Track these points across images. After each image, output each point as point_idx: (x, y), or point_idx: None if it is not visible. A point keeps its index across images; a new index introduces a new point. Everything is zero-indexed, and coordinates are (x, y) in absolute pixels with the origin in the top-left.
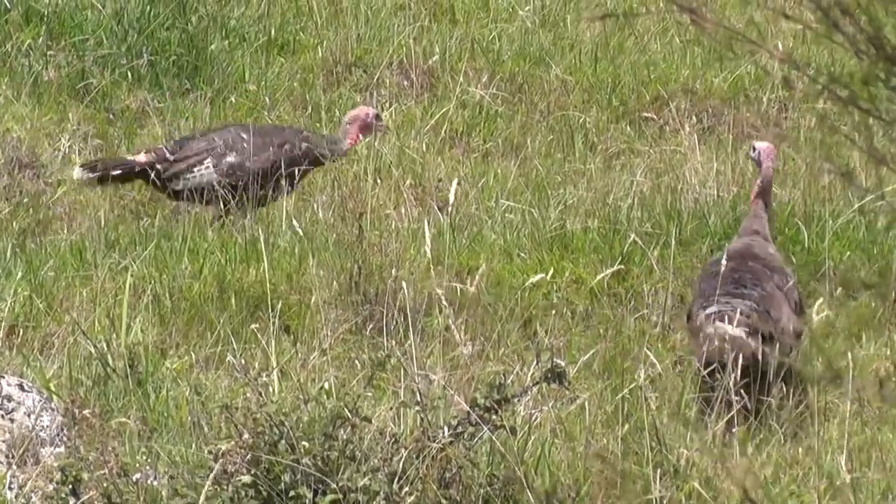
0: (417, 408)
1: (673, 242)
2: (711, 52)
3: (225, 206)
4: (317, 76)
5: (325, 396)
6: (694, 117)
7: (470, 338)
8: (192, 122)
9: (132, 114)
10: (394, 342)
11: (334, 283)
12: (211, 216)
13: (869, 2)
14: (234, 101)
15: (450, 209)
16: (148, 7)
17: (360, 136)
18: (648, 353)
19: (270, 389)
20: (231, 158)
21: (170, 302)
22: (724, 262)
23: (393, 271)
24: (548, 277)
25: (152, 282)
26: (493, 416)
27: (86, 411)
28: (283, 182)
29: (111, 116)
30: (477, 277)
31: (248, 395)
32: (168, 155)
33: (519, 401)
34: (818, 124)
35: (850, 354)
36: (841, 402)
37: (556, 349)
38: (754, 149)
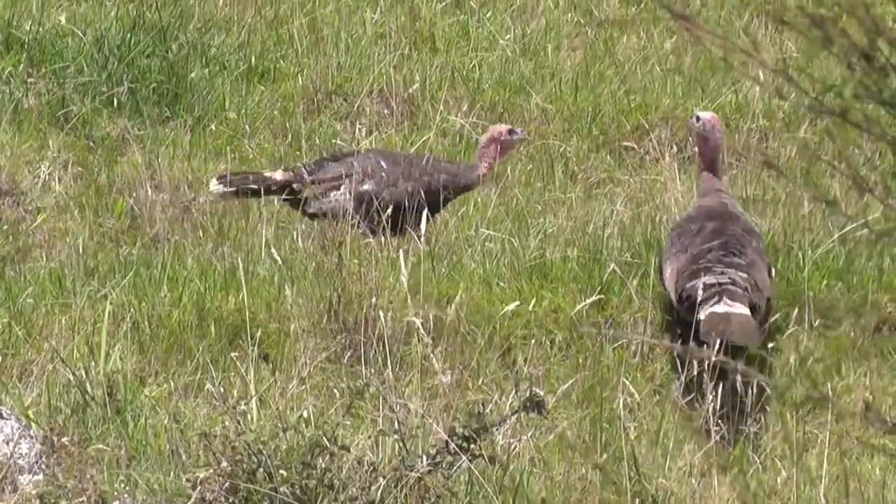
0: (396, 436)
1: (653, 272)
2: (692, 82)
3: (365, 227)
4: (297, 104)
5: (303, 425)
6: (674, 146)
7: (448, 366)
8: (171, 150)
9: (112, 141)
10: (372, 371)
11: (313, 311)
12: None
13: (864, 14)
14: (214, 128)
15: (422, 238)
16: (128, 35)
17: (498, 158)
18: (627, 382)
19: (249, 418)
20: (367, 186)
21: (149, 330)
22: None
23: (372, 300)
24: (529, 307)
25: (131, 309)
26: (472, 446)
27: (64, 439)
28: (423, 212)
29: (91, 144)
30: (453, 306)
31: (226, 423)
32: (306, 175)
33: (498, 430)
34: (800, 153)
35: (829, 384)
36: (819, 431)
37: (534, 378)
38: (698, 119)
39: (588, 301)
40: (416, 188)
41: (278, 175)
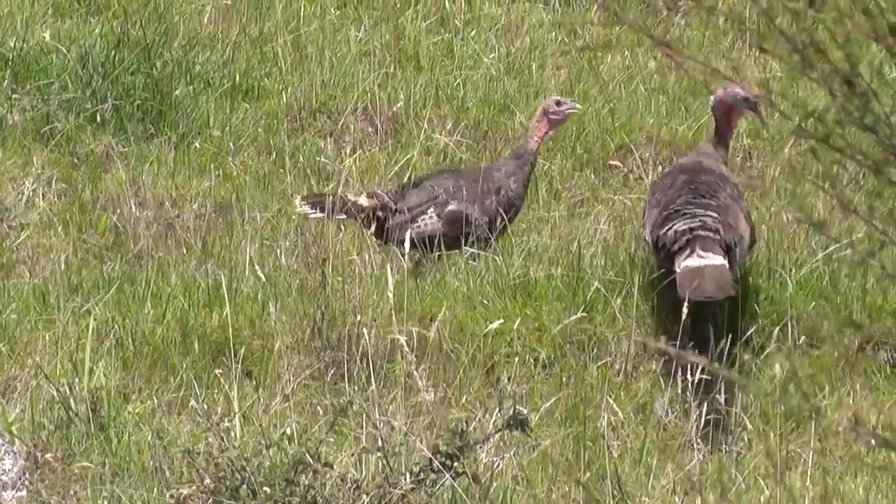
0: (379, 454)
1: (636, 291)
2: (676, 101)
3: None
4: (281, 122)
5: (286, 442)
6: (658, 165)
7: (432, 384)
8: (155, 167)
9: (96, 158)
10: (356, 388)
11: (297, 328)
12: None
13: (845, 41)
14: (198, 146)
15: (406, 256)
16: (113, 52)
17: (549, 130)
18: (610, 400)
19: (232, 434)
20: (453, 206)
21: (132, 346)
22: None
23: (356, 317)
24: (513, 325)
25: (115, 326)
26: (455, 463)
27: (48, 455)
28: (505, 224)
29: (75, 160)
30: (437, 324)
31: (210, 439)
32: (391, 203)
33: (481, 448)
34: (785, 173)
35: (808, 406)
36: (802, 450)
37: (518, 396)
38: (711, 100)
39: (572, 319)
40: (500, 203)
41: (363, 200)
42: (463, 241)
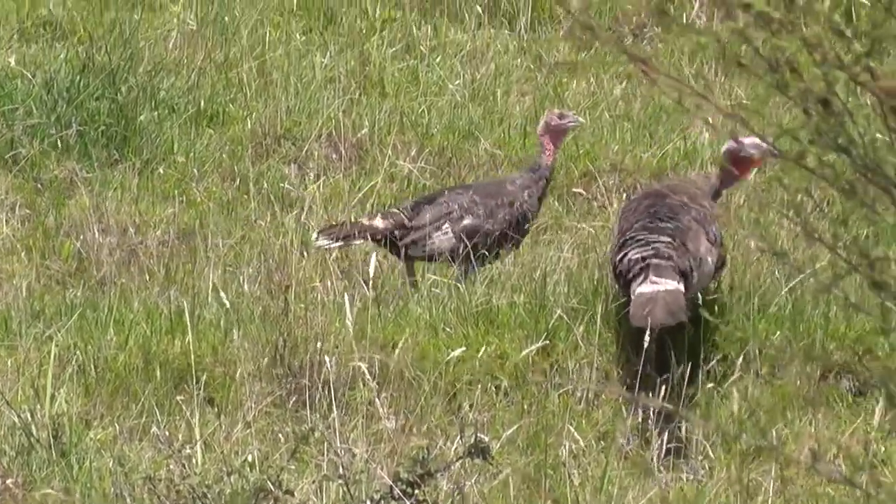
0: (340, 481)
1: (599, 318)
2: (641, 128)
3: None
4: (245, 148)
5: (248, 469)
6: (623, 193)
7: (393, 412)
8: (119, 193)
9: (60, 184)
10: (317, 415)
11: (259, 355)
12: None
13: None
14: (162, 171)
15: (370, 283)
16: (78, 77)
17: (555, 144)
18: (571, 428)
19: (194, 461)
20: (468, 221)
21: (94, 372)
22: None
23: (317, 344)
24: (475, 353)
25: (77, 352)
26: (416, 491)
27: (9, 481)
28: (519, 238)
29: (39, 186)
30: (399, 351)
31: (171, 466)
32: (406, 221)
33: (442, 475)
34: (750, 201)
35: (774, 432)
36: (764, 479)
37: (479, 424)
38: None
39: (534, 347)
40: (513, 216)
41: (378, 222)
42: (478, 255)
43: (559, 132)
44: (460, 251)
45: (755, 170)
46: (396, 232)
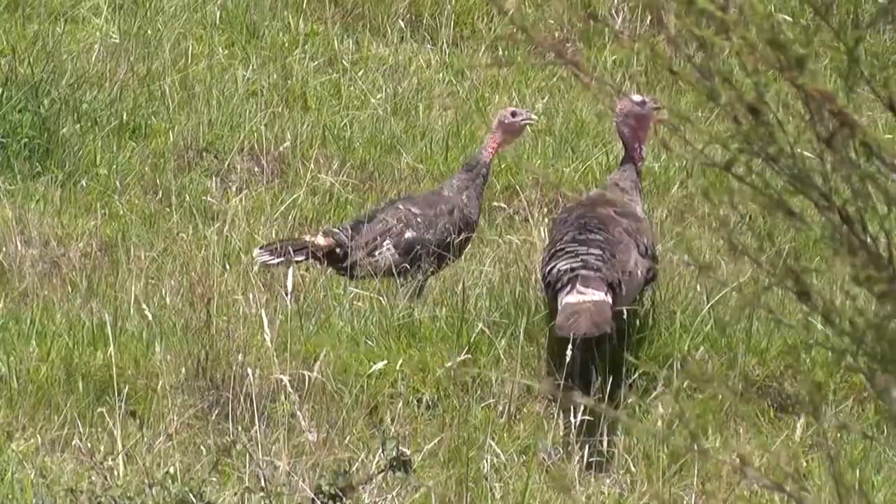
0: (262, 494)
1: (521, 332)
2: (563, 142)
3: (406, 277)
4: (168, 161)
5: (170, 481)
6: (544, 207)
7: (315, 424)
8: (42, 206)
9: None
10: (239, 428)
11: (181, 368)
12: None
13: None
14: (84, 184)
15: (290, 296)
16: (0, 90)
17: (503, 142)
18: (493, 442)
19: (115, 473)
20: (409, 234)
21: (16, 384)
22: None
23: (239, 357)
24: (397, 366)
25: None
26: None
27: None
28: (467, 238)
29: None
30: (320, 364)
31: (93, 478)
32: (346, 240)
33: (364, 489)
34: (672, 215)
35: (695, 446)
36: (686, 493)
37: (401, 437)
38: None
39: (456, 360)
40: (455, 224)
41: (320, 240)
42: (421, 266)
43: (512, 131)
44: (404, 266)
45: (651, 125)
46: (338, 250)
